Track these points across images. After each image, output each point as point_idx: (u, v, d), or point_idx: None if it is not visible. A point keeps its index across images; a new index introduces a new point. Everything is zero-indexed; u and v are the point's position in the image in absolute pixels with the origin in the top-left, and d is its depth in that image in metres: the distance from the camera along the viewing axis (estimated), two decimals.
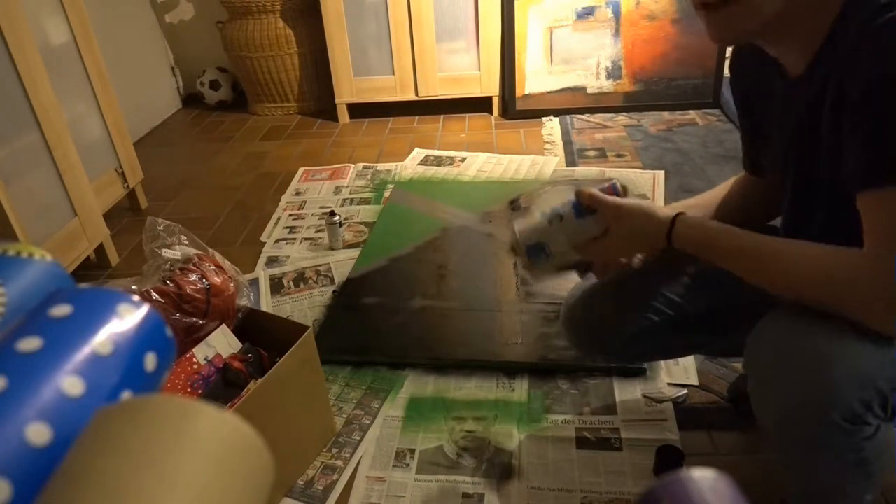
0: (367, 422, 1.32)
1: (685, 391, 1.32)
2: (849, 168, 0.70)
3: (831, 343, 0.70)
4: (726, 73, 2.61)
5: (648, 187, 2.17)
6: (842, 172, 0.72)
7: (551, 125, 2.76)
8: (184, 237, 1.25)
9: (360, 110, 3.07)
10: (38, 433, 0.32)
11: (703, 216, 1.01)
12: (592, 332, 1.11)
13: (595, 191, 0.88)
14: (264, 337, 1.19)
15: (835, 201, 0.78)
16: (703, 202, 1.07)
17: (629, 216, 0.85)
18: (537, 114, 2.86)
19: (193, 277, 1.18)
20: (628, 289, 1.04)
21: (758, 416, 0.81)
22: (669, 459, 1.12)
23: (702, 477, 0.32)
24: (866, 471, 0.77)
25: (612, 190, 0.89)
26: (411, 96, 2.97)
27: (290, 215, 2.21)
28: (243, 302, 1.25)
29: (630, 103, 2.81)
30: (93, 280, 1.90)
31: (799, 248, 0.75)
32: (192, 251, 1.24)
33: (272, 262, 1.93)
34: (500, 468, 1.19)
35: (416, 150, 2.64)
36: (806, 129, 0.78)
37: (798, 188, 0.86)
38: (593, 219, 0.87)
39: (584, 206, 0.88)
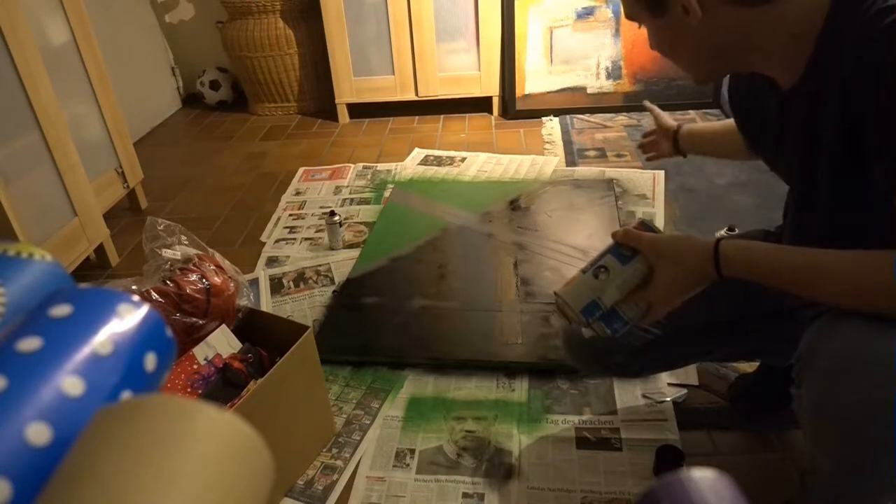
0: (367, 422, 1.32)
1: (685, 391, 1.32)
2: (882, 170, 0.69)
3: None
4: None
5: (648, 187, 2.17)
6: (873, 174, 0.70)
7: (551, 125, 2.76)
8: (184, 237, 1.25)
9: (360, 110, 3.07)
10: (38, 433, 0.32)
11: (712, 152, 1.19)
12: (593, 351, 1.11)
13: (629, 228, 0.85)
14: (264, 337, 1.19)
15: (834, 203, 0.78)
16: (711, 129, 1.18)
17: (668, 250, 0.82)
18: (537, 114, 2.86)
19: (193, 277, 1.18)
20: None
21: (810, 414, 0.77)
22: (669, 459, 1.12)
23: (702, 477, 0.32)
24: None
25: (644, 227, 0.86)
26: (411, 96, 2.97)
27: (290, 215, 2.21)
28: (243, 302, 1.25)
29: (630, 103, 2.81)
30: (93, 280, 1.90)
31: (863, 258, 0.70)
32: (192, 251, 1.25)
33: (272, 262, 1.93)
34: (500, 468, 1.19)
35: (416, 150, 2.64)
36: (807, 137, 0.78)
37: (801, 193, 0.86)
38: (638, 260, 0.83)
39: (623, 247, 0.85)
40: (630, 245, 0.85)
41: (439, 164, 2.51)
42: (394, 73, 2.93)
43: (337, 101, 3.02)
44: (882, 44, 0.66)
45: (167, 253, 1.21)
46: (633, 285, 0.84)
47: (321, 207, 2.22)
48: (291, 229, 2.12)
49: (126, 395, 0.36)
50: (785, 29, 0.73)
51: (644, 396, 1.32)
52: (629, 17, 0.85)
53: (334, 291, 1.75)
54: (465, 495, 1.15)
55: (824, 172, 0.77)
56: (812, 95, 0.75)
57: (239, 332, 1.20)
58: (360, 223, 2.10)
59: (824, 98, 0.73)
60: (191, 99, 3.54)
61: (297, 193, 2.37)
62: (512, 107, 2.88)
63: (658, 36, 0.83)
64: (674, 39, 0.81)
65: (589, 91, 2.83)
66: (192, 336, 1.15)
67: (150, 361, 0.39)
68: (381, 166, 2.52)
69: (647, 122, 2.72)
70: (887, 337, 0.69)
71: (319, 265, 1.88)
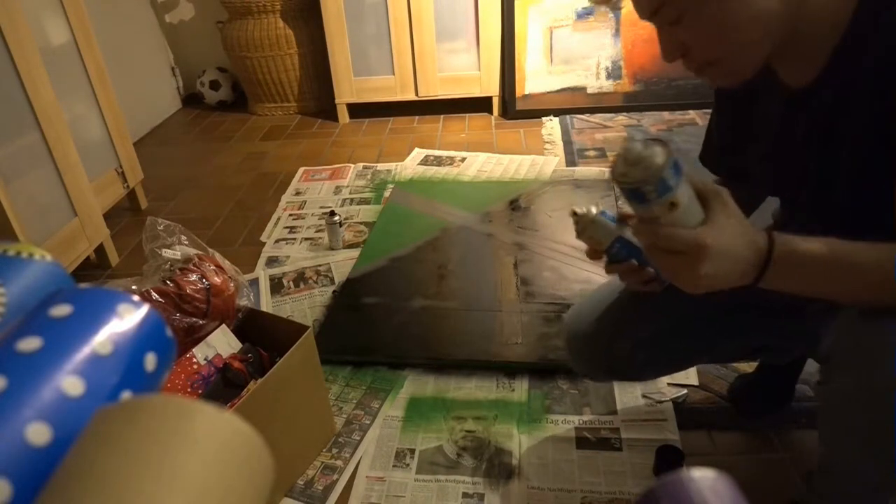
0: (367, 422, 1.32)
1: (685, 391, 1.32)
2: None
3: None
4: None
5: None
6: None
7: (551, 125, 2.76)
8: (184, 237, 1.25)
9: (360, 110, 3.07)
10: (38, 433, 0.32)
11: None
12: (595, 345, 1.08)
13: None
14: (264, 337, 1.19)
15: (851, 208, 0.76)
16: None
17: (733, 218, 0.67)
18: (537, 114, 2.86)
19: (193, 277, 1.18)
20: (628, 307, 1.00)
21: (841, 410, 0.76)
22: (669, 459, 1.12)
23: (702, 477, 0.32)
24: None
25: None
26: (411, 96, 2.97)
27: (290, 215, 2.21)
28: (243, 302, 1.25)
29: (630, 103, 2.81)
30: (93, 280, 1.90)
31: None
32: (192, 251, 1.24)
33: (272, 262, 1.93)
34: (500, 468, 1.19)
35: (416, 150, 2.64)
36: (823, 139, 0.76)
37: (815, 203, 0.81)
38: (698, 226, 0.65)
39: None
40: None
41: (439, 164, 2.51)
42: (394, 73, 2.92)
43: (337, 101, 3.02)
44: None
45: (167, 253, 1.21)
46: (691, 222, 0.66)
47: (321, 207, 2.22)
48: (291, 229, 2.12)
49: (126, 395, 0.36)
50: (820, 18, 0.70)
51: (644, 396, 1.32)
52: None
53: (334, 291, 1.75)
54: (465, 495, 1.15)
55: (844, 175, 0.75)
56: (830, 96, 0.73)
57: (239, 332, 1.20)
58: (360, 223, 2.10)
59: (851, 92, 0.70)
60: (191, 99, 3.54)
61: (297, 193, 2.37)
62: (512, 107, 2.88)
63: (723, 10, 0.69)
64: (742, 11, 0.69)
65: (589, 91, 2.83)
66: (192, 336, 1.15)
67: (150, 361, 0.39)
68: (381, 166, 2.52)
69: (646, 121, 2.71)
70: None
71: (319, 265, 1.88)
